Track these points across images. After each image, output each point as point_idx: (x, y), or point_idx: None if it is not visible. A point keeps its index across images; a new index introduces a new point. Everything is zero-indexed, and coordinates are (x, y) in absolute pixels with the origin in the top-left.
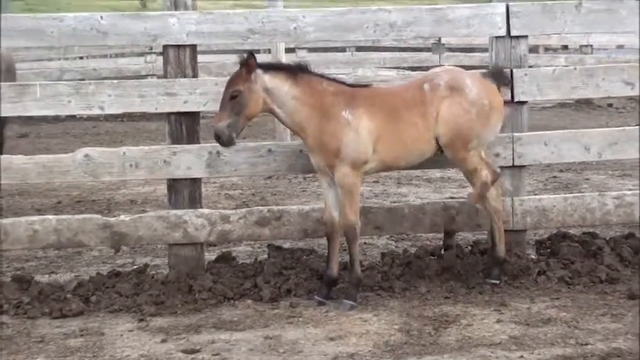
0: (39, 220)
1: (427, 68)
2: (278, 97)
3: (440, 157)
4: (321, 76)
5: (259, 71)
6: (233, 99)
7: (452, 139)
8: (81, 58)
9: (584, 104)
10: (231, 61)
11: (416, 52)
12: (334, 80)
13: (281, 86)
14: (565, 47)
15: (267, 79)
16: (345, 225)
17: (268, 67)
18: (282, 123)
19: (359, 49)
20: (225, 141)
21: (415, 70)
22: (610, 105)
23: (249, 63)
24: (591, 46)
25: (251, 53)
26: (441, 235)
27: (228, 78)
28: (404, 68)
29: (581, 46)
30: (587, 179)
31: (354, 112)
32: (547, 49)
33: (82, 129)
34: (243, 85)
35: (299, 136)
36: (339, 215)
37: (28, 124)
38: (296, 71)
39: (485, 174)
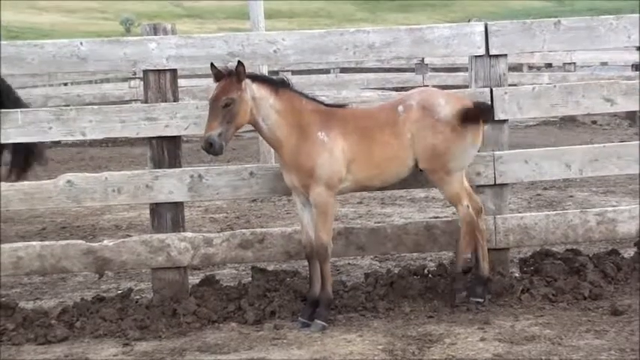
0: (23, 246)
1: (410, 89)
2: (263, 109)
3: (423, 177)
4: (301, 93)
5: (248, 80)
6: (226, 107)
7: (428, 160)
8: (65, 84)
9: (569, 122)
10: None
11: (399, 73)
12: (313, 99)
13: (267, 97)
14: (549, 65)
15: (256, 89)
16: (317, 245)
17: (255, 77)
18: (262, 136)
19: (343, 70)
20: (216, 150)
21: (399, 91)
22: (594, 122)
23: (239, 71)
24: (574, 63)
25: (240, 62)
26: (425, 255)
27: (217, 86)
28: (388, 89)
29: (564, 64)
30: (571, 196)
31: (329, 133)
32: (531, 67)
33: (67, 155)
34: (235, 93)
35: (276, 150)
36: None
37: None
38: (278, 85)
39: (466, 204)
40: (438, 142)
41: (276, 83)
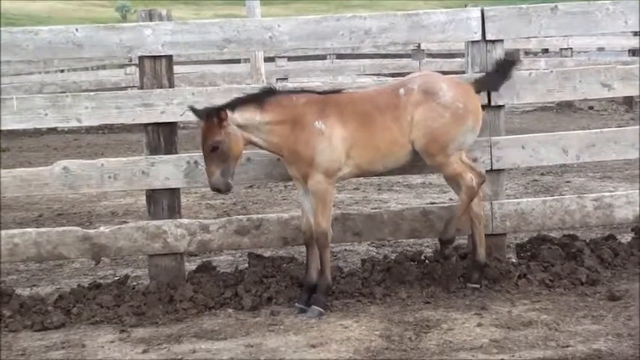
0: (19, 233)
1: (407, 75)
2: (253, 128)
3: (420, 163)
4: (290, 91)
5: (229, 112)
6: (215, 151)
7: (427, 144)
8: (61, 71)
9: (566, 107)
10: (212, 71)
11: (396, 59)
12: (303, 91)
13: (253, 117)
14: (545, 51)
15: (239, 117)
16: (316, 232)
17: (235, 105)
18: (260, 148)
19: (339, 56)
20: (225, 190)
21: (395, 77)
22: (591, 107)
23: (220, 116)
24: (571, 49)
25: (219, 108)
26: (421, 241)
27: (201, 130)
28: (384, 75)
29: (561, 49)
30: (567, 182)
31: (327, 120)
32: (527, 52)
33: (63, 142)
34: (219, 134)
35: (278, 154)
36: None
37: (9, 139)
38: (262, 97)
39: (470, 177)
40: (438, 126)
41: (259, 97)
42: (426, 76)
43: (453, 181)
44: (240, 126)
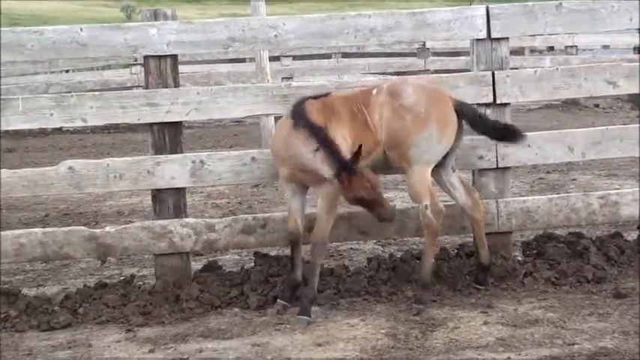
0: (25, 233)
1: (412, 73)
2: None
3: None
4: (296, 110)
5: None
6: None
7: (390, 146)
8: (67, 71)
9: (571, 105)
10: (217, 71)
11: (401, 58)
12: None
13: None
14: (551, 48)
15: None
16: (315, 238)
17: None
18: None
19: (344, 55)
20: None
21: (400, 76)
22: (596, 105)
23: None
24: (576, 46)
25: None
26: None
27: (369, 187)
28: (389, 74)
29: (566, 47)
30: (573, 180)
31: (330, 124)
32: (532, 50)
33: (69, 142)
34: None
35: None
36: (315, 225)
37: (14, 139)
38: (316, 125)
39: (425, 205)
40: (398, 127)
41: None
42: (400, 79)
43: (414, 200)
44: None
